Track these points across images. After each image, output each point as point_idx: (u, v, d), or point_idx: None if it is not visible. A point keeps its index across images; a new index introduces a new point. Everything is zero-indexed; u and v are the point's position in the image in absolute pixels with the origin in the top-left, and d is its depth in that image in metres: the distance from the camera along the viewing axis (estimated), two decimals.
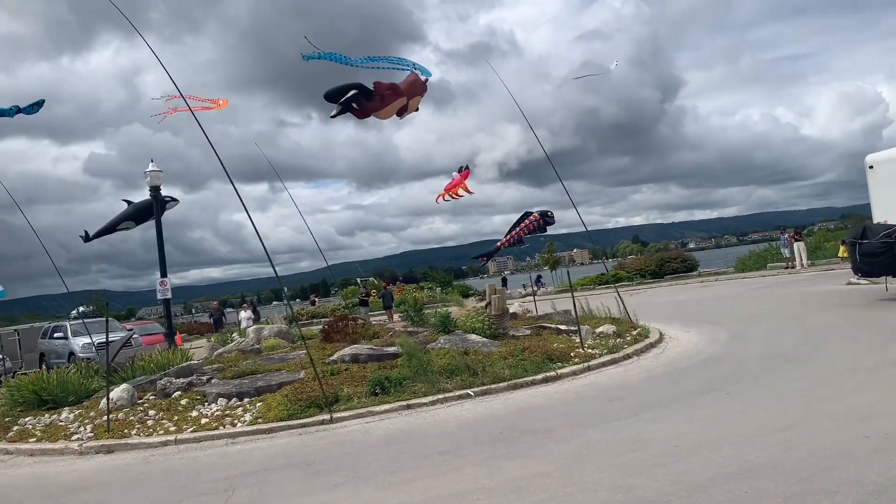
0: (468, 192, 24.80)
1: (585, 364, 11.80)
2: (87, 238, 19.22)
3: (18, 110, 14.37)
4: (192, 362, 13.57)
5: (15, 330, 29.25)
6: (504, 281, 50.61)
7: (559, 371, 11.36)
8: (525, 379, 10.89)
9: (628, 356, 12.69)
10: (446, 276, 54.65)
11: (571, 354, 12.36)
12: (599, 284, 36.72)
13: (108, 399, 10.87)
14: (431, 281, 53.15)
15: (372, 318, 24.94)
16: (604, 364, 12.03)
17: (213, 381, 12.18)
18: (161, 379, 12.32)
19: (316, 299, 55.96)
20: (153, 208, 18.30)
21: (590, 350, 12.75)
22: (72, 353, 23.72)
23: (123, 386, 11.74)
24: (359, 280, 49.59)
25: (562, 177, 16.99)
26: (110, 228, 19.35)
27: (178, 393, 11.64)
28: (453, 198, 24.82)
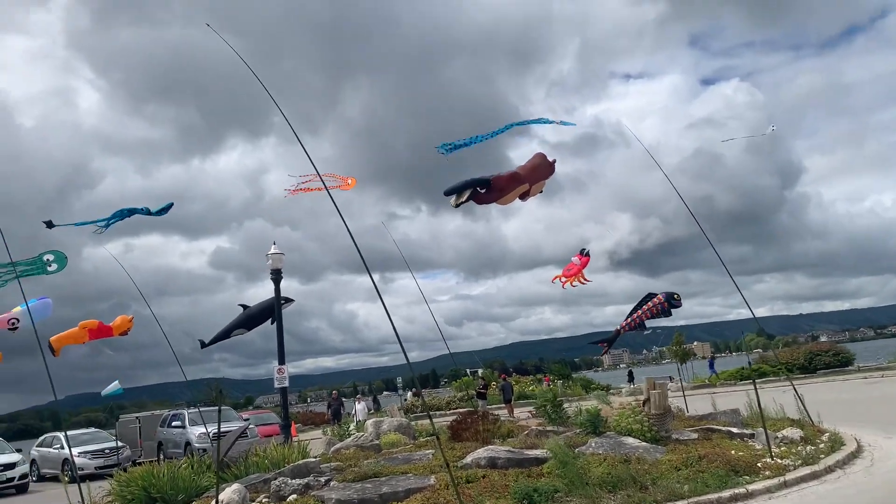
0: (584, 281, 23.25)
1: (781, 479, 9.48)
2: (203, 345, 19.12)
3: (149, 212, 15.39)
4: (309, 460, 12.20)
5: (136, 417, 29.31)
6: (631, 375, 47.28)
7: (749, 487, 9.11)
8: (710, 497, 8.73)
9: (830, 468, 10.24)
10: (564, 369, 51.80)
11: (758, 465, 10.06)
12: (741, 380, 33.25)
13: (217, 502, 9.61)
14: (548, 373, 50.54)
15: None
16: (803, 479, 9.65)
17: (331, 483, 10.71)
18: (275, 479, 10.99)
19: (420, 392, 53.93)
20: (265, 315, 18.18)
21: (779, 460, 10.38)
22: (188, 443, 23.13)
23: (234, 486, 10.47)
24: (478, 371, 47.69)
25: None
26: (225, 335, 19.33)
27: (294, 497, 10.23)
28: (573, 285, 23.27)
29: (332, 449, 15.53)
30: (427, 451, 12.74)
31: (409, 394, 48.85)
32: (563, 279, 22.62)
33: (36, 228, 16.23)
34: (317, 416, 43.96)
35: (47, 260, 15.70)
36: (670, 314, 23.53)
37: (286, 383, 17.54)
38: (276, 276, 17.87)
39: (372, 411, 27.42)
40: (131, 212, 15.55)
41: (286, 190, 16.89)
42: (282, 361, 17.42)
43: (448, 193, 12.30)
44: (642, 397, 13.05)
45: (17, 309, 17.32)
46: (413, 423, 17.98)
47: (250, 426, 22.91)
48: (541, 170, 14.45)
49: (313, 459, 12.32)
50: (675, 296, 23.15)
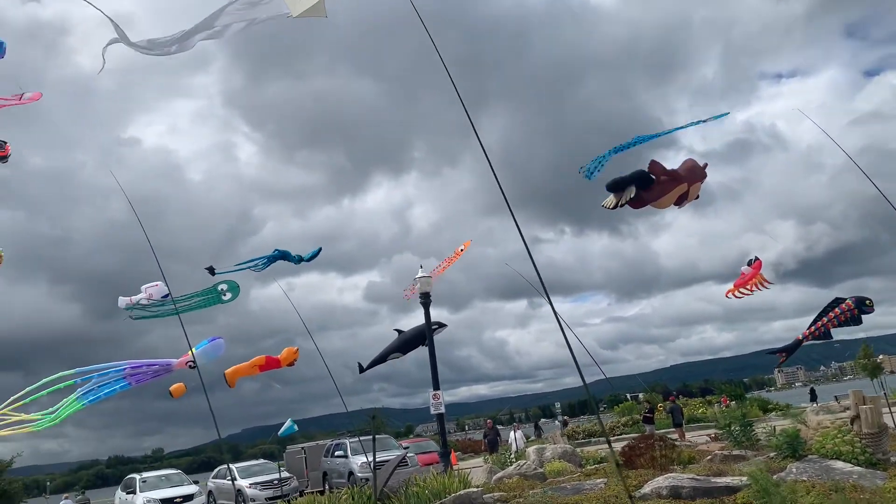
0: (765, 283, 21.16)
1: None
2: (361, 369, 19.40)
3: (301, 259, 16.67)
4: (471, 490, 11.46)
5: (302, 448, 30.01)
6: (813, 393, 42.85)
7: None
8: None
9: None
10: (737, 389, 47.90)
11: None
12: None
13: None
14: (721, 393, 47.02)
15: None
16: None
17: None
18: None
19: (567, 419, 51.63)
20: (419, 339, 18.08)
21: None
22: (351, 473, 23.18)
23: None
24: (639, 395, 45.29)
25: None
26: (381, 359, 19.51)
27: None
28: (749, 292, 21.27)
29: (494, 478, 14.72)
30: (598, 481, 11.60)
31: (559, 421, 47.09)
32: (740, 291, 21.03)
33: (207, 275, 17.21)
34: (475, 444, 43.39)
35: (222, 290, 16.59)
36: (860, 322, 20.77)
37: (442, 409, 17.02)
38: (426, 299, 17.53)
39: (532, 438, 26.27)
40: (285, 256, 16.64)
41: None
42: (436, 386, 16.94)
43: (611, 188, 11.93)
44: (842, 415, 11.21)
45: (193, 351, 17.39)
46: (577, 450, 16.81)
47: (409, 454, 22.59)
48: (696, 171, 13.38)
49: (475, 489, 11.57)
50: (868, 301, 20.42)
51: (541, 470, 14.87)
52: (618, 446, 24.88)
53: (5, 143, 12.61)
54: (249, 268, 17.04)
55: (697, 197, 13.93)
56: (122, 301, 16.91)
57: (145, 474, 24.99)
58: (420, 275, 17.48)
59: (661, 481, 9.92)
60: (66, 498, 37.81)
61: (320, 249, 16.75)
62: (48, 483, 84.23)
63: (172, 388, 16.33)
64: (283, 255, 16.66)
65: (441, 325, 19.15)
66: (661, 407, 31.22)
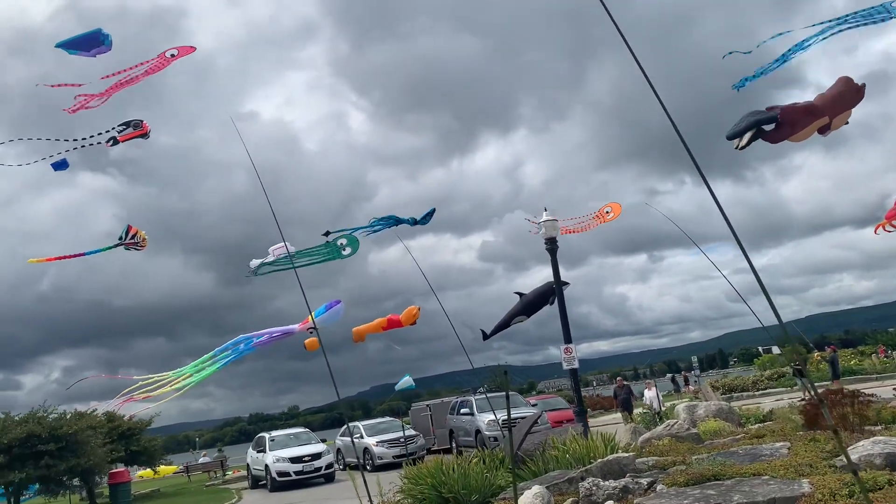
0: None
1: None
2: (485, 336, 18.32)
3: (415, 221, 16.31)
4: (621, 455, 9.87)
5: (427, 405, 29.46)
6: None
7: None
8: None
9: None
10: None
11: None
12: None
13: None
14: (875, 343, 42.66)
15: None
16: None
17: (658, 487, 8.27)
18: (583, 479, 8.87)
19: (687, 375, 48.01)
20: (542, 300, 16.81)
21: None
22: (478, 431, 22.20)
23: (535, 489, 8.52)
24: (771, 348, 41.65)
25: None
26: (505, 324, 18.35)
27: (611, 503, 8.01)
28: None
29: (641, 439, 13.07)
30: (777, 445, 9.70)
31: (679, 378, 44.02)
32: (884, 223, 18.04)
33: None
34: (605, 401, 41.56)
35: (341, 244, 16.13)
36: None
37: (576, 363, 15.45)
38: (552, 245, 15.87)
39: (670, 393, 24.16)
40: (398, 221, 16.37)
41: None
42: (568, 339, 15.38)
43: (730, 137, 10.28)
44: None
45: (313, 315, 18.38)
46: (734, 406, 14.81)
47: (541, 412, 21.36)
48: (845, 98, 10.92)
49: (625, 455, 9.96)
50: None
51: (694, 430, 13.10)
52: (766, 402, 22.46)
53: (141, 121, 12.52)
54: (365, 230, 16.64)
55: (846, 122, 11.69)
56: (255, 262, 17.18)
57: (274, 433, 25.12)
58: (545, 217, 15.81)
59: (870, 446, 7.94)
60: (205, 455, 39.62)
61: (434, 210, 16.38)
62: (197, 439, 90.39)
63: (307, 341, 16.12)
64: (397, 221, 16.43)
65: (564, 283, 17.72)
66: (817, 356, 28.10)
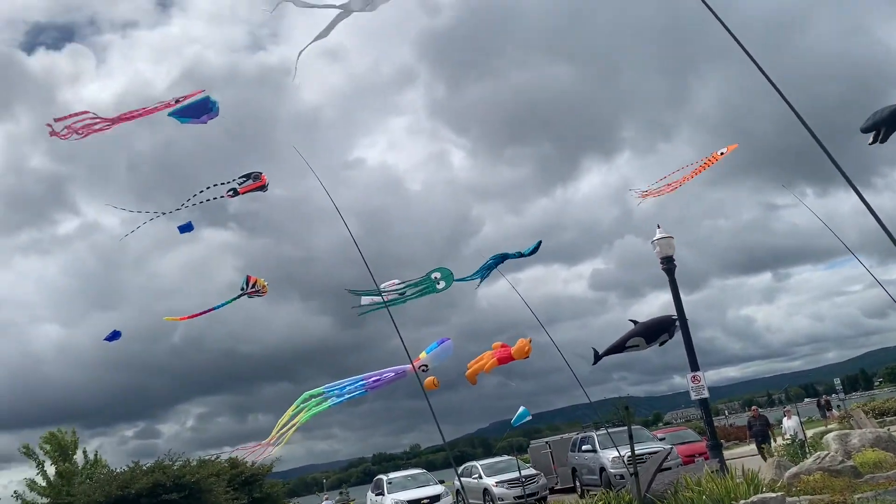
0: None
1: None
2: (597, 356, 17.30)
3: (521, 254, 16.59)
4: (768, 495, 8.72)
5: (546, 442, 28.36)
6: None
7: None
8: None
9: None
10: None
11: None
12: None
13: None
14: None
15: None
16: None
17: None
18: None
19: (829, 400, 43.23)
20: (661, 328, 15.58)
21: None
22: (602, 469, 20.95)
23: None
24: None
25: None
26: (619, 347, 17.21)
27: None
28: None
29: (788, 475, 11.66)
30: None
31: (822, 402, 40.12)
32: None
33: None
34: (738, 431, 38.68)
35: (435, 278, 16.33)
36: None
37: (705, 392, 14.20)
38: (668, 264, 14.79)
39: (815, 419, 21.92)
40: (504, 257, 16.58)
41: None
42: (694, 367, 14.17)
43: (865, 130, 9.53)
44: None
45: (424, 354, 18.15)
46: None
47: (671, 448, 19.96)
48: None
49: (773, 495, 8.80)
50: None
51: (849, 463, 11.60)
52: None
53: (260, 173, 13.04)
54: (473, 279, 17.05)
55: None
56: (365, 299, 17.12)
57: (392, 475, 24.80)
58: (659, 235, 14.78)
59: None
60: (327, 499, 39.79)
61: (540, 242, 16.38)
62: (324, 480, 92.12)
63: (426, 382, 16.05)
64: (503, 257, 16.70)
65: (674, 321, 16.49)
66: None
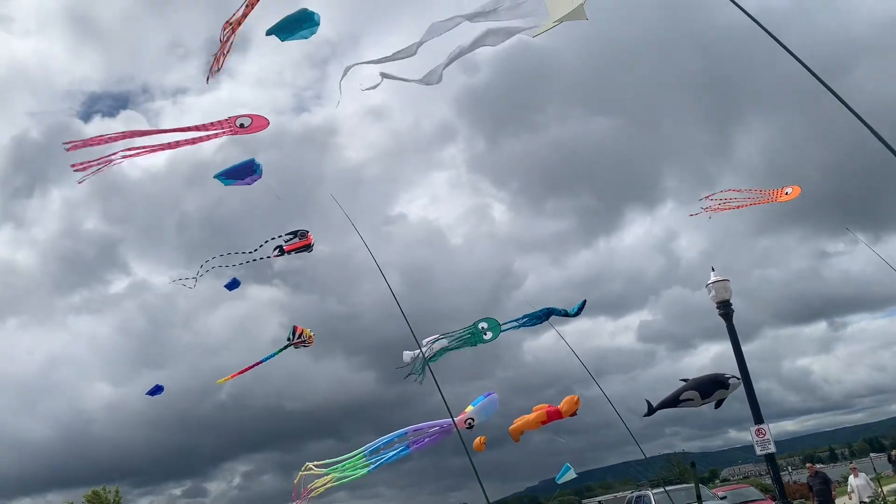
0: None
1: None
2: (650, 409, 16.69)
3: (567, 313, 16.50)
4: None
5: (599, 502, 27.21)
6: None
7: None
8: None
9: None
10: None
11: None
12: None
13: None
14: None
15: None
16: None
17: None
18: None
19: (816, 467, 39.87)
20: (715, 384, 14.99)
21: None
22: None
23: None
24: None
25: None
26: (673, 401, 16.59)
27: None
28: None
29: None
30: None
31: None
32: None
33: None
34: (802, 488, 36.49)
35: (482, 328, 16.33)
36: None
37: (772, 447, 13.27)
38: (725, 309, 14.04)
39: (889, 474, 20.36)
40: (550, 313, 16.57)
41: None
42: (758, 419, 13.25)
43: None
44: None
45: (470, 408, 17.95)
46: None
47: None
48: None
49: None
50: None
51: None
52: None
53: (307, 231, 13.16)
54: (521, 326, 17.04)
55: None
56: (407, 355, 17.50)
57: None
58: (713, 278, 14.07)
59: None
60: None
61: (584, 302, 16.57)
62: None
63: (475, 443, 15.70)
64: (550, 312, 16.63)
65: (736, 378, 15.70)
66: None
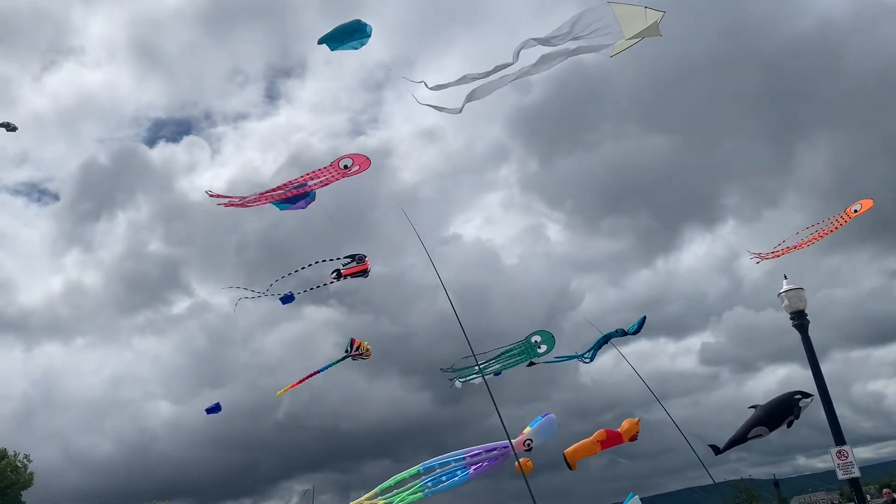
0: None
1: None
2: (717, 451, 15.97)
3: (625, 332, 16.32)
4: None
5: None
6: None
7: None
8: None
9: None
10: None
11: None
12: None
13: None
14: None
15: None
16: None
17: None
18: None
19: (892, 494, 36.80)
20: (785, 409, 14.25)
21: None
22: None
23: None
24: None
25: None
26: (741, 438, 15.94)
27: None
28: None
29: None
30: None
31: None
32: None
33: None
34: None
35: (535, 342, 16.11)
36: None
37: (856, 471, 12.21)
38: (800, 319, 13.07)
39: None
40: (607, 338, 16.52)
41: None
42: (840, 440, 12.21)
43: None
44: None
45: (528, 429, 17.86)
46: None
47: None
48: None
49: None
50: None
51: None
52: None
53: (364, 256, 13.43)
54: (579, 358, 17.10)
55: None
56: (458, 383, 17.59)
57: None
58: (786, 286, 13.13)
59: None
60: None
61: (644, 319, 16.41)
62: None
63: (523, 461, 15.20)
64: (606, 338, 16.64)
65: (805, 396, 14.90)
66: None
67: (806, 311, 12.92)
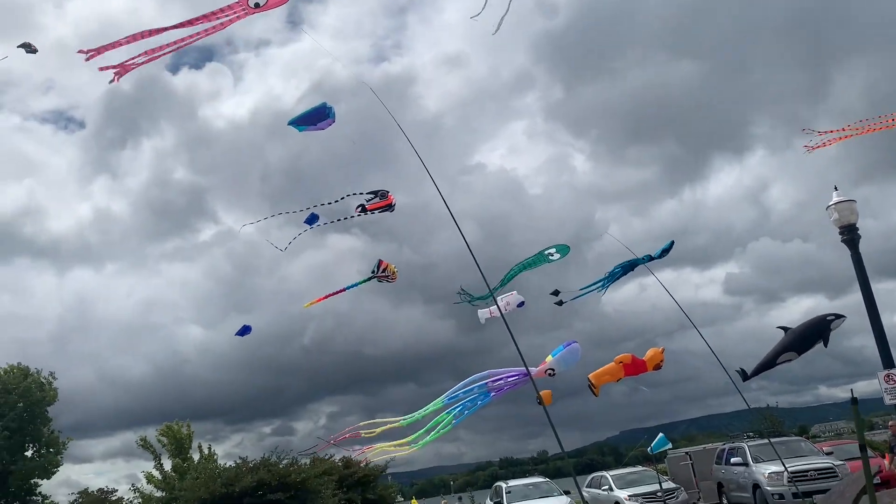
0: None
1: None
2: (745, 377, 15.16)
3: (651, 258, 15.79)
4: None
5: (686, 453, 25.43)
6: None
7: None
8: None
9: None
10: None
11: None
12: None
13: None
14: None
15: None
16: None
17: None
18: None
19: None
20: (816, 333, 14.28)
21: None
22: (756, 486, 18.00)
23: None
24: None
25: None
26: (770, 363, 15.07)
27: None
28: None
29: None
30: None
31: None
32: None
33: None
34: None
35: (549, 254, 16.09)
36: None
37: None
38: (850, 234, 11.96)
39: None
40: (632, 264, 16.02)
41: None
42: (888, 363, 11.29)
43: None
44: None
45: (550, 358, 17.65)
46: None
47: (837, 464, 16.96)
48: None
49: None
50: None
51: None
52: None
53: (388, 192, 13.35)
54: (602, 286, 16.67)
55: None
56: (482, 314, 17.51)
57: (511, 483, 22.87)
58: (836, 199, 11.97)
59: None
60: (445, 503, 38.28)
61: (672, 243, 15.76)
62: (451, 482, 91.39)
63: (543, 393, 14.76)
64: (631, 265, 16.20)
65: (838, 317, 13.96)
66: None
67: (857, 225, 11.80)
